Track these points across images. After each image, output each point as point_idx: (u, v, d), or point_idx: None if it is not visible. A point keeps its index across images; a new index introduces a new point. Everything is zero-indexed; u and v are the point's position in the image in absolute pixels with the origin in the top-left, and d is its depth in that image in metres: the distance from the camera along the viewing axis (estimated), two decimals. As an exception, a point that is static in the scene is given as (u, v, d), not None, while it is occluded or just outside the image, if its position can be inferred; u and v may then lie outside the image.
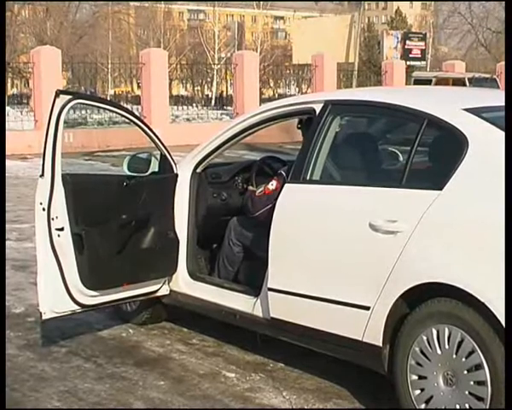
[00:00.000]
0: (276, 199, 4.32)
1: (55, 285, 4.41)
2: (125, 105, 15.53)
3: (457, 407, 3.47)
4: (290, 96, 22.57)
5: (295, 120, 4.83)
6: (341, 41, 27.12)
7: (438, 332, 3.55)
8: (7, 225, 7.64)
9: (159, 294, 5.00)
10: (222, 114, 24.10)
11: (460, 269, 3.47)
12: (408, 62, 30.75)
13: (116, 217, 4.62)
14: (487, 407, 3.36)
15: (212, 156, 5.02)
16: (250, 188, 4.91)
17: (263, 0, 53.96)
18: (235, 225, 4.99)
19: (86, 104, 5.47)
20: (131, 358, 4.74)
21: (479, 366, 3.40)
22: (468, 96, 4.79)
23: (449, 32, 48.48)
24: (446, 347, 3.52)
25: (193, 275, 4.98)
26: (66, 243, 4.41)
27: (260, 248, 4.45)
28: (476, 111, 3.81)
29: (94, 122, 20.33)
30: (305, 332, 4.19)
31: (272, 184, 4.53)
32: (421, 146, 3.92)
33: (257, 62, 22.79)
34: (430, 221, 3.59)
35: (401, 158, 4.65)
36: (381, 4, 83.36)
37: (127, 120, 4.90)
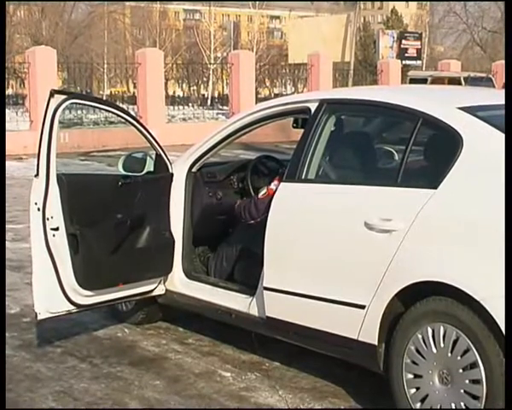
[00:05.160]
0: None
1: (50, 285, 4.40)
2: (120, 105, 15.51)
3: (453, 405, 3.47)
4: (286, 95, 22.62)
5: (291, 119, 4.83)
6: (337, 40, 27.10)
7: (433, 331, 3.55)
8: (2, 226, 7.62)
9: (154, 293, 4.99)
10: (218, 113, 24.09)
11: (455, 267, 3.47)
12: (403, 62, 30.74)
13: (111, 217, 4.61)
14: (482, 406, 3.36)
15: (207, 156, 5.01)
16: (244, 199, 4.91)
17: (258, 0, 53.92)
18: (241, 228, 4.95)
19: (81, 104, 5.46)
20: (127, 358, 4.74)
21: (474, 365, 3.40)
22: (463, 95, 4.79)
23: (444, 31, 48.70)
24: (441, 345, 3.52)
25: (188, 274, 4.98)
26: (61, 242, 4.40)
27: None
28: (471, 110, 3.81)
29: (89, 122, 20.30)
30: (300, 331, 4.19)
31: (275, 185, 4.49)
32: (417, 145, 3.93)
33: (253, 62, 22.79)
34: (425, 220, 3.59)
35: (396, 157, 4.65)
36: (377, 4, 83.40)
37: (123, 120, 4.89)
